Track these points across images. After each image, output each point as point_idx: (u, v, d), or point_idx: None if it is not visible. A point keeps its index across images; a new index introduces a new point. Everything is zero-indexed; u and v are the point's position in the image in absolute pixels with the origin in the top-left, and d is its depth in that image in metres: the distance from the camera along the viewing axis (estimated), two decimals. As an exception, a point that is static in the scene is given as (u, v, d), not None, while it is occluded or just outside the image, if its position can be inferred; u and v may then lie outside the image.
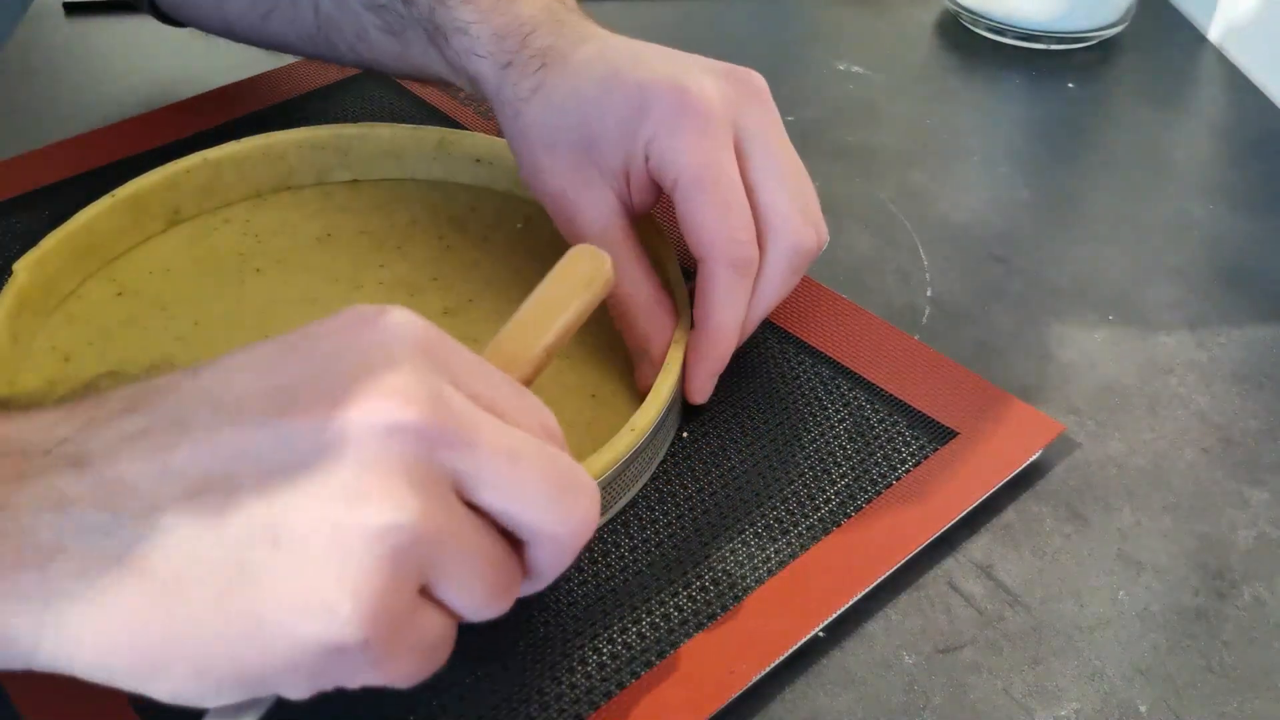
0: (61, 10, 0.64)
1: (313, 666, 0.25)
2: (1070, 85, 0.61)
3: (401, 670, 0.26)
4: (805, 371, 0.42)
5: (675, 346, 0.39)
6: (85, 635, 0.24)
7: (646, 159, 0.38)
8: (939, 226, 0.51)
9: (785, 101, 0.57)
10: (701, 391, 0.40)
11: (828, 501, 0.38)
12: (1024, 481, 0.39)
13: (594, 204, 0.40)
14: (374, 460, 0.25)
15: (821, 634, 0.34)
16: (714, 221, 0.37)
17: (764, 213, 0.38)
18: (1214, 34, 0.65)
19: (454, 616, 0.27)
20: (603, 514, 0.36)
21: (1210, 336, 0.45)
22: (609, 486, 0.36)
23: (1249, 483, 0.40)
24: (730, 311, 0.38)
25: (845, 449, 0.39)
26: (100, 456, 0.25)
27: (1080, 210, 0.52)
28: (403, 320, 0.27)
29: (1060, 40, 0.63)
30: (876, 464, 0.39)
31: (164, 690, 0.25)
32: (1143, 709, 0.33)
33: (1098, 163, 0.56)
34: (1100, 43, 0.64)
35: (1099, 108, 0.60)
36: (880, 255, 0.49)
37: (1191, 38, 0.66)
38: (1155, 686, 0.33)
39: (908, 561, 0.36)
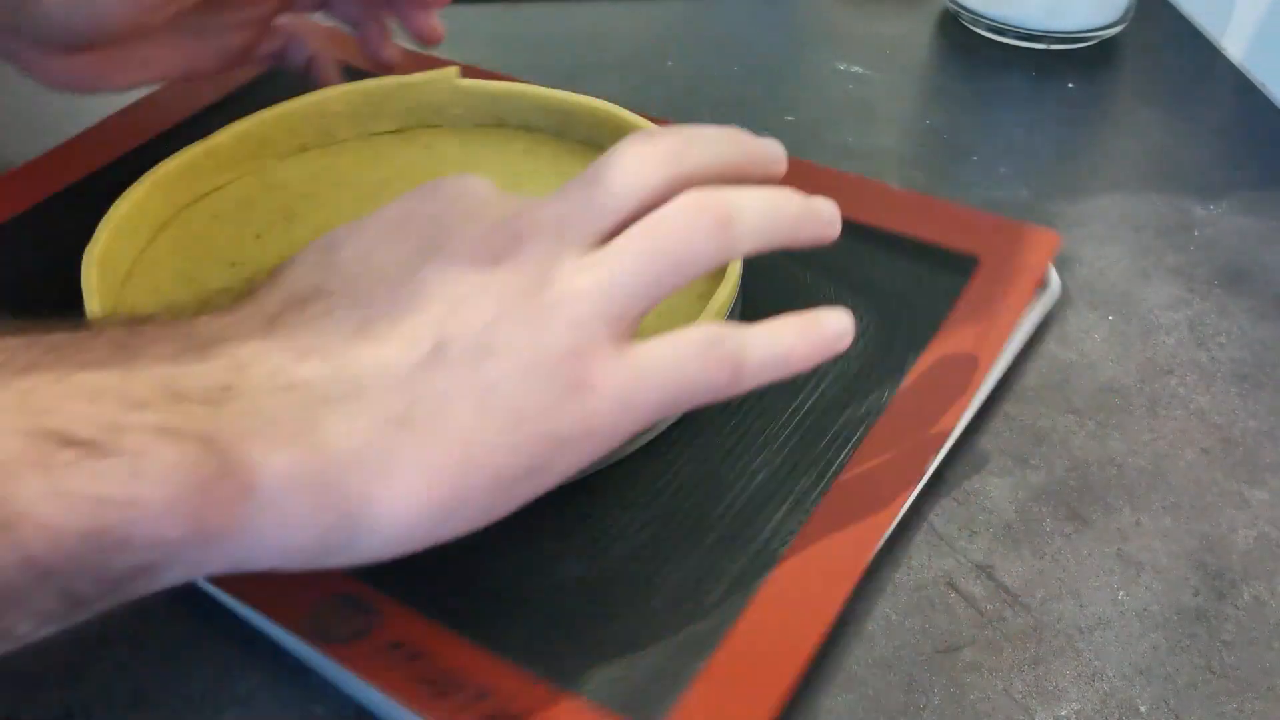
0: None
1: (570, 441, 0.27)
2: (1070, 85, 0.61)
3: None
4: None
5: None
6: (383, 499, 0.25)
7: None
8: (939, 226, 0.51)
9: (785, 101, 0.57)
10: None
11: (896, 341, 0.41)
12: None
13: None
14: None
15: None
16: None
17: None
18: (1214, 34, 0.65)
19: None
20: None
21: (1210, 336, 0.45)
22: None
23: (1249, 483, 0.40)
24: None
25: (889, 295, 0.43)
26: (311, 335, 0.27)
27: (1080, 210, 0.52)
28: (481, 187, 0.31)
29: (1060, 40, 0.63)
30: (924, 297, 0.42)
31: (467, 517, 0.27)
32: (1143, 709, 0.33)
33: (1098, 163, 0.56)
34: (1100, 43, 0.64)
35: (1099, 108, 0.60)
36: (880, 255, 0.49)
37: (1192, 37, 0.66)
38: (1155, 686, 0.33)
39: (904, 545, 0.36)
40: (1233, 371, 0.44)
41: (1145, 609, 0.36)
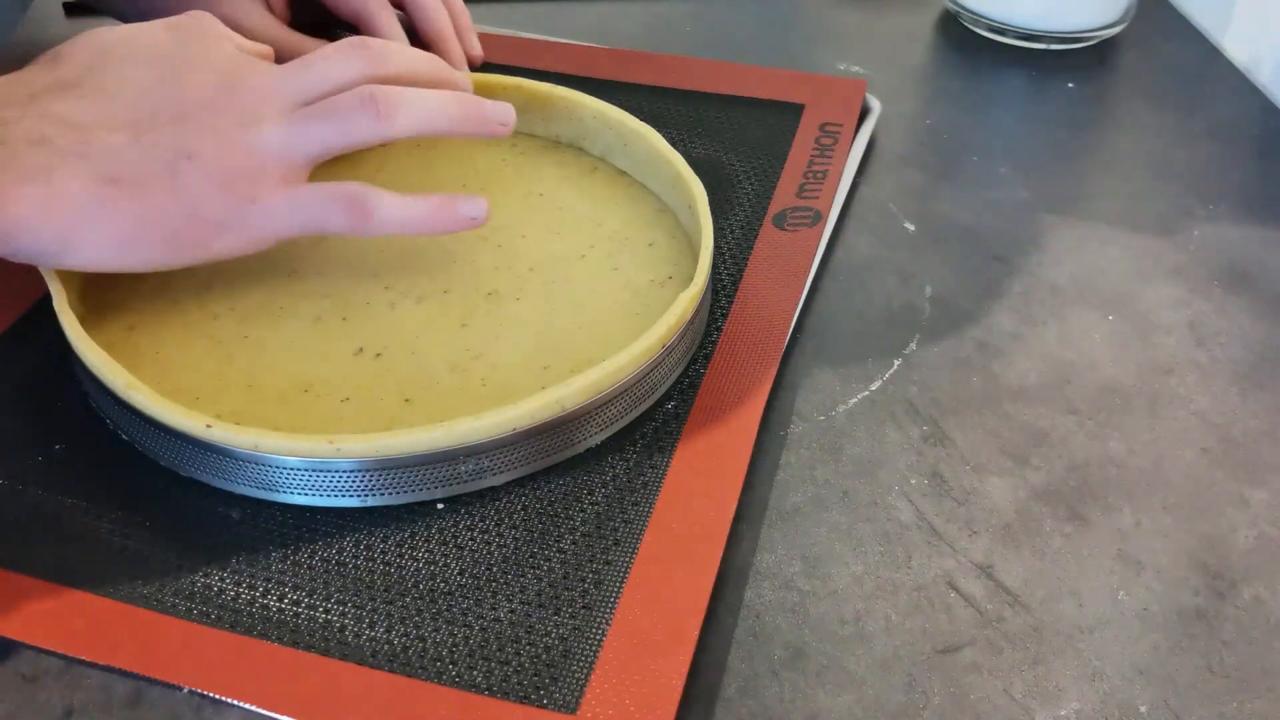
0: (61, 10, 0.64)
1: (234, 221, 0.39)
2: (1070, 85, 0.61)
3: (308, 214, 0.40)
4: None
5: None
6: (86, 226, 0.37)
7: None
8: (939, 226, 0.51)
9: (785, 101, 0.57)
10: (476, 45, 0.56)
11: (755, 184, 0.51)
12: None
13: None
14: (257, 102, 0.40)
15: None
16: None
17: None
18: (1214, 34, 0.66)
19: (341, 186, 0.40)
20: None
21: (1210, 336, 0.45)
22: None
23: (1249, 483, 0.40)
24: None
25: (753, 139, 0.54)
26: (63, 111, 0.37)
27: (1080, 210, 0.52)
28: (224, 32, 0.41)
29: (1060, 40, 0.63)
30: (777, 138, 0.54)
31: (142, 259, 0.38)
32: (1143, 709, 0.33)
33: (1098, 163, 0.56)
34: (1100, 43, 0.64)
35: (1099, 108, 0.60)
36: (880, 255, 0.49)
37: (1191, 38, 0.66)
38: (1155, 686, 0.33)
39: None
40: (1233, 371, 0.44)
41: (1145, 609, 0.36)
